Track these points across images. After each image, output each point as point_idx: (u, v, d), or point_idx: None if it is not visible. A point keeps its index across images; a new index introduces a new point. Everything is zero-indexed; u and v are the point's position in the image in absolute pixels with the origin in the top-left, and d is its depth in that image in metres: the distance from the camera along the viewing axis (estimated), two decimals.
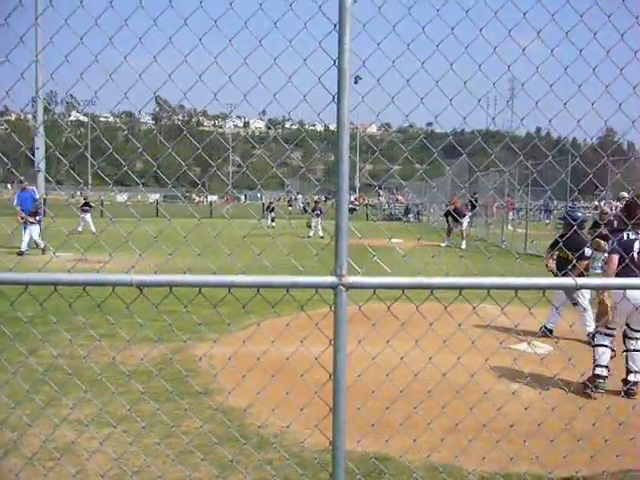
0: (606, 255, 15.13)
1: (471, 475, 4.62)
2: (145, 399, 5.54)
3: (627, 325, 6.69)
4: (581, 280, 2.69)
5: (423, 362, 3.52)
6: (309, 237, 27.24)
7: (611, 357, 6.73)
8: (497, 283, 2.59)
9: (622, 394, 6.34)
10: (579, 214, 9.50)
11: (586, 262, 8.96)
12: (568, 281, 2.61)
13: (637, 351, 6.66)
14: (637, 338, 6.68)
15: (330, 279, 2.51)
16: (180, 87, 2.60)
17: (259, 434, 5.27)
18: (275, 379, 3.94)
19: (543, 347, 8.26)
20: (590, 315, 8.84)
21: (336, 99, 2.47)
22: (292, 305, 4.13)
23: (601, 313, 6.48)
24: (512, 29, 2.63)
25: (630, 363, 6.66)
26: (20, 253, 17.93)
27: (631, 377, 6.61)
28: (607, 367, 6.63)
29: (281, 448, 4.92)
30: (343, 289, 2.50)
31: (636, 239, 6.63)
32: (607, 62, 2.85)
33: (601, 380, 6.56)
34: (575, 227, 8.19)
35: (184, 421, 5.53)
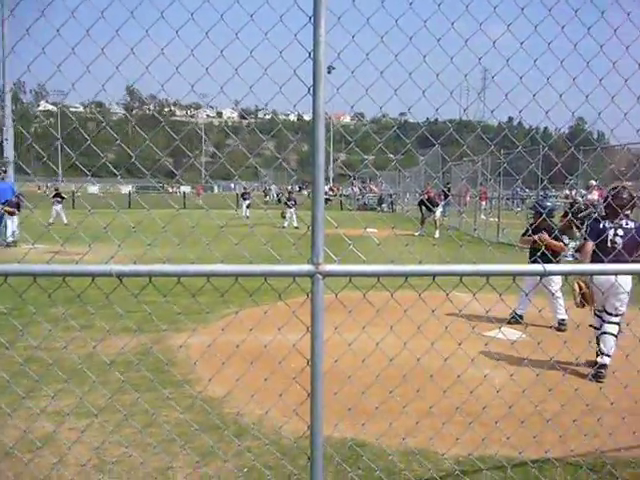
0: (577, 243, 15.48)
1: (445, 458, 4.73)
2: (125, 389, 5.57)
3: (604, 309, 6.95)
4: (549, 266, 2.78)
5: (398, 347, 3.60)
6: (284, 227, 27.28)
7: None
8: (469, 270, 2.67)
9: (589, 377, 6.52)
10: (548, 203, 9.70)
11: (559, 243, 9.24)
12: (537, 268, 2.70)
13: (611, 335, 6.89)
14: (612, 322, 6.91)
15: (307, 267, 2.56)
16: (156, 79, 2.62)
17: (238, 422, 5.33)
18: (254, 367, 4.00)
19: (514, 333, 8.43)
20: (561, 302, 9.05)
21: (312, 91, 2.52)
22: (270, 294, 4.19)
23: (585, 298, 6.81)
24: (483, 22, 2.70)
25: (601, 345, 6.89)
26: (10, 244, 17.76)
27: (599, 359, 6.83)
28: (610, 356, 6.84)
29: (260, 435, 4.99)
30: (320, 277, 2.56)
31: (611, 227, 6.98)
32: (576, 55, 2.94)
33: (603, 370, 6.77)
34: (544, 216, 8.39)
35: (164, 410, 5.56)
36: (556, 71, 2.98)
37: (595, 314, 7.12)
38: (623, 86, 3.07)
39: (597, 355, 6.90)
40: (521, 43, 2.82)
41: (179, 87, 2.87)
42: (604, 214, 7.11)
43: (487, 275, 2.71)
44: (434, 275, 2.69)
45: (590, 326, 7.69)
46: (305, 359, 2.65)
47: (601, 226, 7.03)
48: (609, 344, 6.88)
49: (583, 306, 6.94)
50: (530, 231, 8.88)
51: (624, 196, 6.85)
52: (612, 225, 7.01)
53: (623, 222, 7.03)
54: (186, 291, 3.01)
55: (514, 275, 2.82)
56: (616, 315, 6.90)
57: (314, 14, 2.47)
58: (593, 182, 19.76)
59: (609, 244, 6.87)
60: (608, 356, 6.84)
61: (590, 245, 7.00)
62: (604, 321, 6.97)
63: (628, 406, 4.87)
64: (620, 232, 6.98)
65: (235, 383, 3.89)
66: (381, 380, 3.96)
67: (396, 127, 3.38)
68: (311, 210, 2.53)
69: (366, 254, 3.10)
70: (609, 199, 7.12)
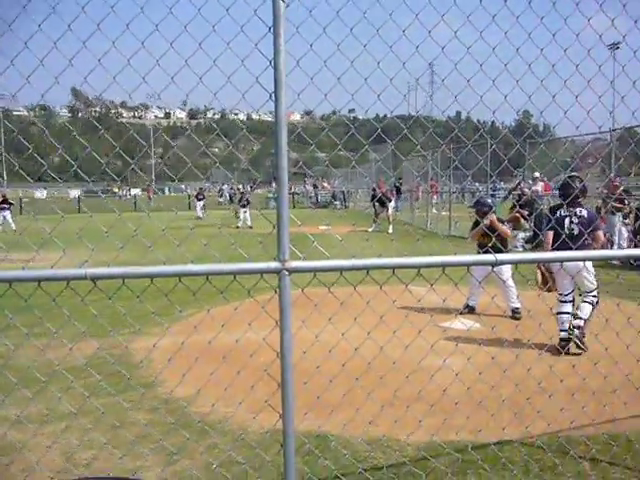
0: (527, 234, 16.07)
1: (409, 444, 4.93)
2: (96, 392, 5.63)
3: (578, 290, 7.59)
4: (501, 256, 2.98)
5: (362, 338, 3.76)
6: (238, 227, 27.17)
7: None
8: (426, 262, 2.85)
9: (564, 349, 7.08)
10: (489, 201, 10.19)
11: (505, 228, 9.74)
12: (489, 257, 2.90)
13: (590, 304, 7.51)
14: (591, 296, 7.53)
15: (274, 264, 2.70)
16: (128, 85, 2.70)
17: (207, 419, 5.42)
18: (225, 362, 4.12)
19: (468, 322, 8.73)
20: (513, 291, 9.38)
21: (274, 97, 2.66)
22: (239, 292, 4.31)
23: (543, 282, 7.53)
24: (432, 30, 2.88)
25: (578, 311, 7.50)
26: None
27: (575, 322, 7.40)
28: (566, 330, 7.39)
29: (229, 430, 5.13)
30: (286, 273, 2.70)
31: (568, 215, 7.54)
32: (527, 46, 3.15)
33: (564, 342, 7.34)
34: (487, 212, 8.97)
35: (133, 412, 5.62)
36: (501, 74, 3.18)
37: (561, 300, 7.55)
38: (566, 83, 3.30)
39: (567, 334, 7.42)
40: (467, 48, 3.01)
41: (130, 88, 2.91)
42: (559, 203, 7.59)
43: (443, 266, 2.90)
44: (394, 268, 2.87)
45: (512, 317, 8.84)
46: (275, 352, 2.78)
47: (558, 215, 7.56)
48: (586, 310, 7.45)
49: (549, 290, 7.63)
50: (481, 224, 9.26)
51: (577, 185, 7.44)
52: (567, 213, 7.53)
53: (577, 210, 7.55)
54: (158, 291, 3.11)
55: (468, 265, 3.01)
56: (592, 290, 7.50)
57: (274, 24, 2.61)
58: (537, 174, 20.39)
59: (567, 231, 7.38)
60: (584, 320, 7.40)
61: (550, 235, 7.59)
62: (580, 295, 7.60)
63: (577, 383, 5.14)
64: (575, 220, 7.51)
65: (206, 380, 4.01)
66: (347, 370, 4.12)
67: (352, 124, 3.52)
68: (277, 210, 2.67)
69: (327, 250, 3.26)
70: (563, 189, 7.64)
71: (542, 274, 7.59)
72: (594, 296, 7.54)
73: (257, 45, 2.63)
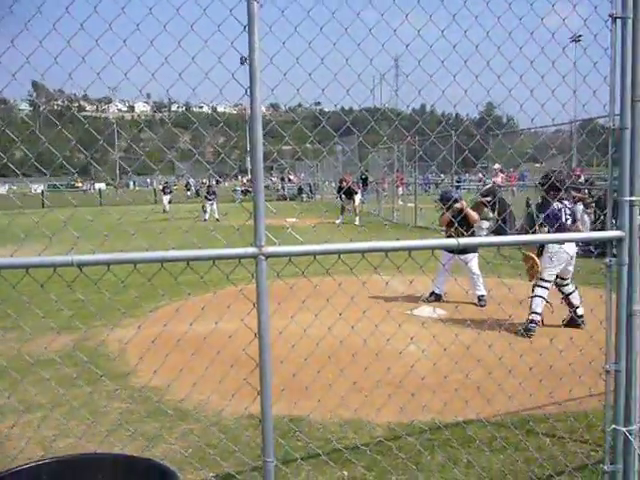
0: (490, 224, 16.48)
1: (378, 425, 5.15)
2: (74, 383, 5.73)
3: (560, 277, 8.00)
4: (463, 240, 3.19)
5: (334, 318, 3.92)
6: (205, 221, 27.02)
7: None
8: (392, 246, 3.04)
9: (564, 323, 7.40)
10: (454, 194, 10.41)
11: (474, 214, 10.07)
12: (451, 241, 3.10)
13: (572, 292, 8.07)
14: (567, 284, 8.06)
15: (251, 250, 2.86)
16: (106, 82, 2.82)
17: (181, 406, 5.55)
18: (206, 345, 4.27)
19: (437, 311, 8.99)
20: (481, 280, 9.66)
21: (249, 92, 2.81)
22: (224, 281, 4.45)
23: (530, 268, 7.83)
24: (397, 29, 3.06)
25: (573, 301, 8.03)
26: None
27: (579, 311, 7.87)
28: (539, 314, 7.84)
29: (202, 417, 5.28)
30: (263, 258, 2.86)
31: (562, 208, 7.99)
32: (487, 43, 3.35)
33: (534, 324, 7.79)
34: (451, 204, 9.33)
35: (111, 401, 5.75)
36: (461, 70, 3.38)
37: (540, 285, 7.91)
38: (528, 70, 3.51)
39: (574, 308, 7.92)
40: (430, 46, 3.21)
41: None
42: (548, 197, 7.90)
43: (409, 250, 3.09)
44: (364, 252, 3.06)
45: (479, 305, 9.28)
46: (253, 333, 2.94)
47: (556, 209, 7.91)
48: (576, 299, 8.02)
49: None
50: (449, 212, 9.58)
51: (564, 179, 8.01)
52: (561, 206, 7.99)
53: (566, 203, 8.08)
54: (142, 277, 3.25)
55: (433, 248, 3.20)
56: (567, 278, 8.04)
57: (248, 24, 2.76)
58: (497, 166, 20.81)
59: (568, 224, 7.92)
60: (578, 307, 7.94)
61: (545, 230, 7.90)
62: (562, 285, 8.09)
63: (544, 370, 5.41)
64: (568, 212, 8.04)
65: (184, 366, 4.15)
66: (322, 348, 4.32)
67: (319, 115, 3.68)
68: (253, 199, 2.83)
69: (301, 238, 3.44)
70: (552, 182, 7.93)
71: (532, 263, 7.85)
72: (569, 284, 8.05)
73: (233, 43, 2.77)
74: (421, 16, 3.27)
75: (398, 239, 3.07)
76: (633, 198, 3.29)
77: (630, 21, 3.21)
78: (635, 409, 3.38)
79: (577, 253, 8.14)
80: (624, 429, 3.35)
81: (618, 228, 3.32)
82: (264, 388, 2.96)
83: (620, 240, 3.31)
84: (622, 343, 3.35)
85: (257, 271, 2.87)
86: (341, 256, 3.07)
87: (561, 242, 6.73)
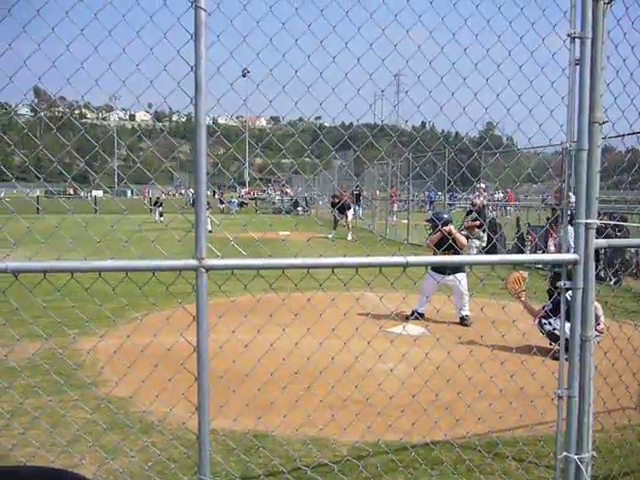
0: (481, 243, 16.47)
1: (343, 445, 5.06)
2: (33, 393, 5.63)
3: None
4: (411, 258, 3.13)
5: (277, 333, 3.86)
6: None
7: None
8: (337, 262, 2.99)
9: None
10: (445, 216, 10.33)
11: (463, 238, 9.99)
12: (399, 259, 3.04)
13: None
14: None
15: (192, 262, 2.80)
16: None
17: (143, 419, 5.46)
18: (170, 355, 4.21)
19: (416, 329, 8.87)
20: (467, 300, 9.58)
21: (194, 101, 2.77)
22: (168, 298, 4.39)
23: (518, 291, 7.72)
24: (397, 44, 3.03)
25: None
26: None
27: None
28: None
29: (165, 431, 5.18)
30: (203, 270, 2.80)
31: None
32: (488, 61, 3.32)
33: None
34: (441, 227, 9.27)
35: (73, 411, 5.64)
36: (460, 87, 3.35)
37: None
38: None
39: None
40: (429, 62, 3.18)
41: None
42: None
43: (356, 267, 3.04)
44: (308, 268, 2.99)
45: (462, 324, 9.33)
46: (192, 346, 2.88)
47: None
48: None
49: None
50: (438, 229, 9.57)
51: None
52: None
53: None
54: (107, 285, 3.18)
55: (380, 266, 3.12)
56: None
57: (195, 32, 2.73)
58: (483, 185, 20.71)
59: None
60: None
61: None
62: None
63: (515, 392, 5.33)
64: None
65: (148, 377, 4.07)
66: (288, 363, 4.24)
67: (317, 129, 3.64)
68: (195, 210, 2.78)
69: (273, 252, 3.39)
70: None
71: (521, 281, 7.73)
72: None
73: (179, 51, 2.74)
74: (421, 32, 3.24)
75: (369, 255, 3.01)
76: (589, 221, 3.24)
77: (589, 41, 3.18)
78: (588, 436, 3.31)
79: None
80: (575, 457, 3.28)
81: (574, 251, 3.27)
82: (202, 400, 2.89)
83: (575, 263, 3.25)
84: (575, 368, 3.28)
85: (197, 284, 2.82)
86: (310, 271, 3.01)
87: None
